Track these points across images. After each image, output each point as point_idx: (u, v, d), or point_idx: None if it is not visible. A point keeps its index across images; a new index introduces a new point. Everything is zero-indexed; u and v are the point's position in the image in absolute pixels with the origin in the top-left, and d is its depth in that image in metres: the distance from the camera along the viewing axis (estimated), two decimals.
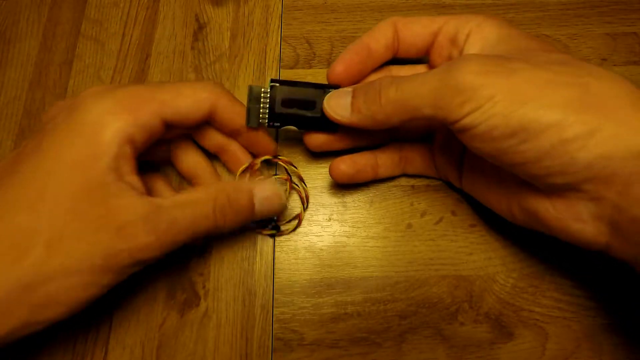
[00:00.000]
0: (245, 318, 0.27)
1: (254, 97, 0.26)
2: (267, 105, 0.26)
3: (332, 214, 0.30)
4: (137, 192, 0.22)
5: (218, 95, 0.26)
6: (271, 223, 0.29)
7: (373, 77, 0.29)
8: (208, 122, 0.27)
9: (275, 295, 0.28)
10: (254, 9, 0.35)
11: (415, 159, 0.30)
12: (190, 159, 0.28)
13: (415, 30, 0.27)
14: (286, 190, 0.28)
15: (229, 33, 0.34)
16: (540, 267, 0.28)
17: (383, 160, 0.29)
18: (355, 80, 0.28)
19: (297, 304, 0.28)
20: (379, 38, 0.27)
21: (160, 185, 0.28)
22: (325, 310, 0.27)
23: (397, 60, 0.29)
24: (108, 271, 0.21)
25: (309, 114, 0.26)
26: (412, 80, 0.22)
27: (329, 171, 0.28)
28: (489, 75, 0.20)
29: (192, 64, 0.33)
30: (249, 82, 0.33)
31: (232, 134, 0.28)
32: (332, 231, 0.29)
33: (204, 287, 0.28)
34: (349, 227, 0.29)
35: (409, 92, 0.22)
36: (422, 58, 0.29)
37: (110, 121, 0.22)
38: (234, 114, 0.26)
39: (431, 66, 0.28)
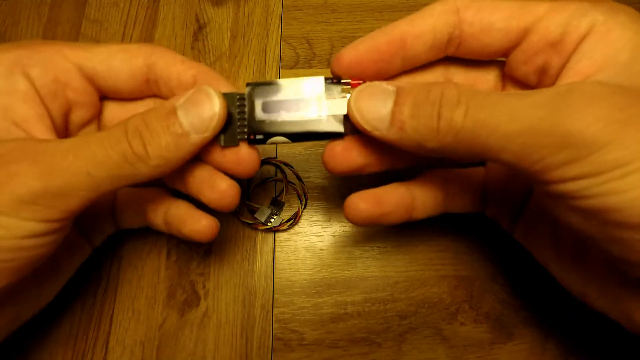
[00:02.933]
0: (245, 318, 0.27)
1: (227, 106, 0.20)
2: (245, 114, 0.20)
3: (332, 214, 0.30)
4: (25, 133, 0.19)
5: (153, 48, 0.21)
6: (269, 218, 0.29)
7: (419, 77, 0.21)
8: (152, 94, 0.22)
9: (275, 295, 0.28)
10: (254, 9, 0.35)
11: (465, 194, 0.23)
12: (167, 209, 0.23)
13: (495, 21, 0.18)
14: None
15: (229, 33, 0.34)
16: (540, 267, 0.28)
17: (421, 198, 0.22)
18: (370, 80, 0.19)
19: (297, 304, 0.28)
20: (424, 31, 0.18)
21: None
22: (325, 310, 0.27)
23: None
24: None
25: (303, 117, 0.20)
26: (492, 106, 0.15)
27: (344, 210, 0.21)
28: (625, 127, 0.13)
29: None
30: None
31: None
32: (332, 231, 0.29)
33: (204, 287, 0.28)
34: (349, 227, 0.29)
35: (487, 124, 0.15)
36: None
37: None
38: (178, 62, 0.21)
39: (508, 75, 0.20)
